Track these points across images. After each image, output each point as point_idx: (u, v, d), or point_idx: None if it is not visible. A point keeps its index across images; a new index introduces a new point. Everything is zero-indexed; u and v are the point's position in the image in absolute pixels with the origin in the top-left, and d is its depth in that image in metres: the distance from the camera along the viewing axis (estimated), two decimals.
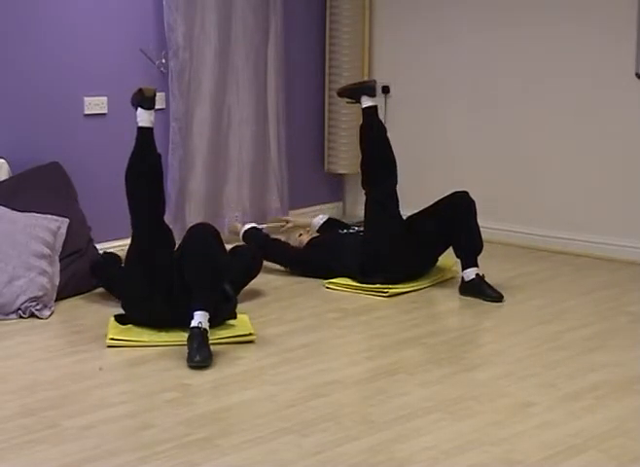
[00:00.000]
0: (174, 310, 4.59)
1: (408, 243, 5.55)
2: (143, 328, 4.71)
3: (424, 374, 4.31)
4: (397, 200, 5.64)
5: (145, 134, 4.88)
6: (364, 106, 5.68)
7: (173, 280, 4.64)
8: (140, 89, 4.90)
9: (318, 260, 5.74)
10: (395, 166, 5.69)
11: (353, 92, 5.75)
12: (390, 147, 5.69)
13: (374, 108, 5.69)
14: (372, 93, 5.68)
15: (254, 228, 6.01)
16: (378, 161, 5.68)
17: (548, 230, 6.46)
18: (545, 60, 6.44)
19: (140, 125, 4.89)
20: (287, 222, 6.41)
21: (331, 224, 6.16)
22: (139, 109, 4.89)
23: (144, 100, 4.87)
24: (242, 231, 6.07)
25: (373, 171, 5.68)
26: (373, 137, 5.72)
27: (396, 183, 5.67)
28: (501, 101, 6.66)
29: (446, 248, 5.64)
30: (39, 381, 4.19)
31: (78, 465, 3.44)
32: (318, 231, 6.12)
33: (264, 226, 6.26)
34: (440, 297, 5.50)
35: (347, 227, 6.00)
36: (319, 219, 6.20)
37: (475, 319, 5.19)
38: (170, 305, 4.63)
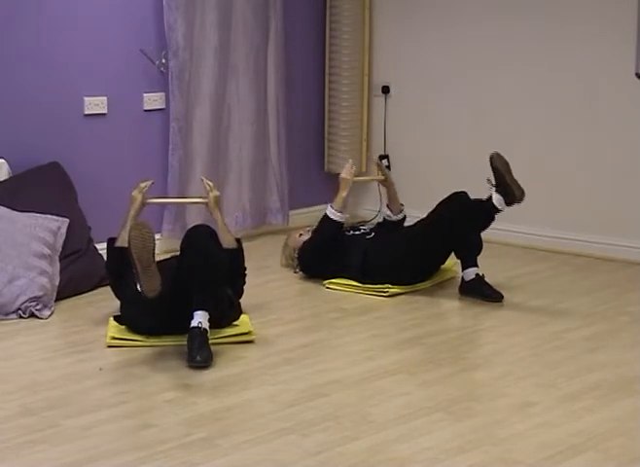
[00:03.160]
0: (174, 316, 4.56)
1: (413, 251, 5.52)
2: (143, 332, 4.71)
3: (424, 374, 4.31)
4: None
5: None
6: (494, 202, 5.28)
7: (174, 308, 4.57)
8: (143, 288, 4.29)
9: (321, 262, 5.72)
10: (463, 249, 5.51)
11: (502, 183, 5.27)
12: (480, 235, 5.50)
13: (499, 211, 5.33)
14: (509, 203, 5.28)
15: (339, 225, 5.64)
16: (458, 234, 5.46)
17: (548, 230, 6.46)
18: (545, 60, 6.44)
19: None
20: (385, 179, 5.97)
21: (392, 224, 5.96)
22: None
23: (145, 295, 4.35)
24: (330, 215, 5.65)
25: (452, 228, 5.42)
26: (477, 224, 5.43)
27: (453, 248, 5.54)
28: (501, 101, 6.66)
29: (450, 251, 5.60)
30: (39, 381, 4.19)
31: (78, 465, 3.44)
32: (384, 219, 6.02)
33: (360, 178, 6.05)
34: (440, 297, 5.50)
35: (356, 228, 5.96)
36: (387, 215, 5.96)
37: (475, 319, 5.19)
38: (171, 317, 4.59)
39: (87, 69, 5.91)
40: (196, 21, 6.29)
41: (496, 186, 5.31)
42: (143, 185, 5.03)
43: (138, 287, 4.31)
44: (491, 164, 5.33)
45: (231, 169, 6.64)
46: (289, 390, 4.11)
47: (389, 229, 5.92)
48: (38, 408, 3.91)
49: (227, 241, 4.95)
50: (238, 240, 5.10)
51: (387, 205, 5.99)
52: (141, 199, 4.98)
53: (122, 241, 4.78)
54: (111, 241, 4.92)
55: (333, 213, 5.64)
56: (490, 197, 5.32)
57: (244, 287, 5.07)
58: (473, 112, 6.80)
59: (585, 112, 6.33)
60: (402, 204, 5.95)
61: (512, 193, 5.26)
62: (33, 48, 5.67)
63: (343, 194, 5.66)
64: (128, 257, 4.31)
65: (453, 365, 4.44)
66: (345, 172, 5.73)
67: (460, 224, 5.41)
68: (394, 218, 5.94)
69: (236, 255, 5.01)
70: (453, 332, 4.98)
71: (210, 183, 5.13)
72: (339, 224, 5.65)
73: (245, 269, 5.10)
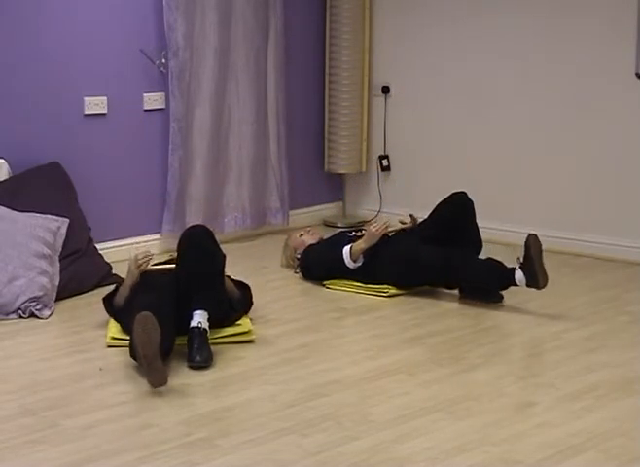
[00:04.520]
0: (175, 313, 4.54)
1: (414, 250, 5.51)
2: None
3: (424, 374, 4.31)
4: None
5: None
6: (516, 278, 5.14)
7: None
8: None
9: (322, 260, 5.71)
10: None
11: (530, 265, 5.11)
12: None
13: (515, 285, 5.18)
14: (529, 284, 5.13)
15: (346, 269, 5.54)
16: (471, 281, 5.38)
17: (548, 230, 6.46)
18: (545, 61, 6.44)
19: None
20: (411, 227, 5.80)
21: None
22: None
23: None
24: (346, 260, 5.51)
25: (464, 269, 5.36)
26: (488, 282, 5.31)
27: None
28: (501, 101, 6.67)
29: None
30: (39, 381, 4.19)
31: (78, 465, 3.44)
32: None
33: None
34: (440, 297, 5.50)
35: (357, 229, 5.91)
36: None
37: (475, 319, 5.19)
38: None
39: (87, 69, 5.91)
40: (196, 21, 6.29)
41: (522, 265, 5.16)
42: (141, 261, 4.78)
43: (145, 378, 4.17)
44: (525, 245, 5.16)
45: (230, 169, 6.64)
46: (289, 390, 4.11)
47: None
48: (38, 408, 3.91)
49: (236, 293, 4.87)
50: (247, 288, 4.97)
51: None
52: (138, 274, 4.77)
53: (119, 302, 4.77)
54: (107, 303, 4.84)
55: (349, 261, 5.50)
56: (513, 271, 5.18)
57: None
58: (473, 112, 6.80)
59: (584, 112, 6.33)
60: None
61: (536, 279, 5.11)
62: (33, 48, 5.67)
63: (363, 245, 5.48)
64: (132, 347, 4.20)
65: (453, 365, 4.44)
66: (377, 229, 5.50)
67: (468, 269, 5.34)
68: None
69: (244, 302, 4.91)
70: (453, 332, 4.98)
71: None
72: (349, 269, 5.53)
73: (252, 304, 4.99)
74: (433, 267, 5.37)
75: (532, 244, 5.16)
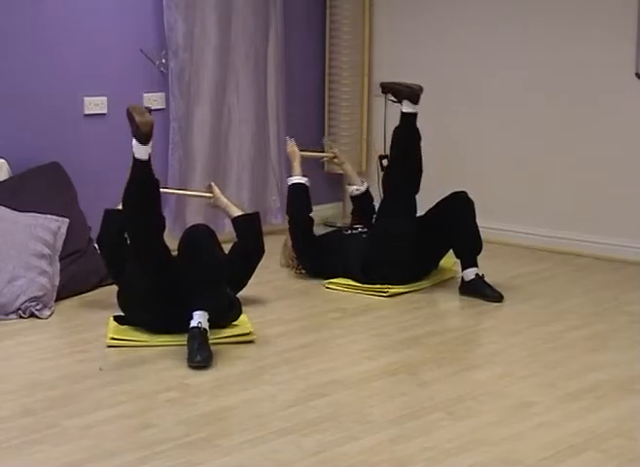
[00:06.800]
0: (175, 313, 4.57)
1: (410, 246, 5.53)
2: (142, 329, 4.71)
3: (424, 374, 4.31)
4: (411, 208, 5.62)
5: (141, 166, 4.61)
6: (404, 111, 5.61)
7: (175, 290, 4.60)
8: (136, 123, 4.53)
9: (321, 259, 5.73)
10: (419, 176, 5.65)
11: (398, 92, 5.64)
12: (420, 157, 5.65)
13: (414, 116, 5.60)
14: (415, 100, 5.59)
15: (304, 187, 5.83)
16: (404, 168, 5.65)
17: (548, 230, 6.47)
18: (545, 60, 6.44)
19: (136, 156, 4.61)
20: (334, 156, 6.25)
21: (362, 201, 6.10)
22: (134, 141, 4.59)
23: (140, 135, 4.55)
24: (291, 182, 5.88)
25: (396, 176, 5.64)
26: (406, 144, 5.67)
27: (415, 192, 5.65)
28: (501, 101, 6.67)
29: (448, 250, 5.64)
30: (39, 381, 4.19)
31: (78, 465, 3.44)
32: (352, 199, 6.18)
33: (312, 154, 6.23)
34: (440, 297, 5.51)
35: (353, 228, 5.95)
36: (355, 189, 6.13)
37: (475, 319, 5.19)
38: (170, 315, 4.61)
39: (87, 69, 5.91)
40: (196, 21, 6.29)
41: (397, 98, 5.63)
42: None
43: (132, 138, 4.55)
44: (383, 88, 5.73)
45: (231, 169, 6.64)
46: (289, 390, 4.11)
47: (364, 209, 6.04)
48: (38, 408, 3.91)
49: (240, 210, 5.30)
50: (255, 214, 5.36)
51: (348, 184, 6.24)
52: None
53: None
54: (107, 211, 5.06)
55: (291, 179, 5.85)
56: (402, 112, 5.60)
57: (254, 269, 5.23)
58: (473, 112, 6.80)
59: (585, 112, 6.33)
60: (362, 181, 6.18)
61: (410, 89, 5.58)
62: (33, 48, 5.67)
63: (294, 163, 5.91)
64: (128, 119, 4.55)
65: (453, 365, 4.44)
66: (289, 148, 5.99)
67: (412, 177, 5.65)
68: (362, 189, 6.11)
69: (255, 219, 5.27)
70: (453, 332, 4.98)
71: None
72: (303, 186, 5.82)
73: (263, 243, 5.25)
74: (414, 230, 5.57)
75: (385, 83, 5.75)
